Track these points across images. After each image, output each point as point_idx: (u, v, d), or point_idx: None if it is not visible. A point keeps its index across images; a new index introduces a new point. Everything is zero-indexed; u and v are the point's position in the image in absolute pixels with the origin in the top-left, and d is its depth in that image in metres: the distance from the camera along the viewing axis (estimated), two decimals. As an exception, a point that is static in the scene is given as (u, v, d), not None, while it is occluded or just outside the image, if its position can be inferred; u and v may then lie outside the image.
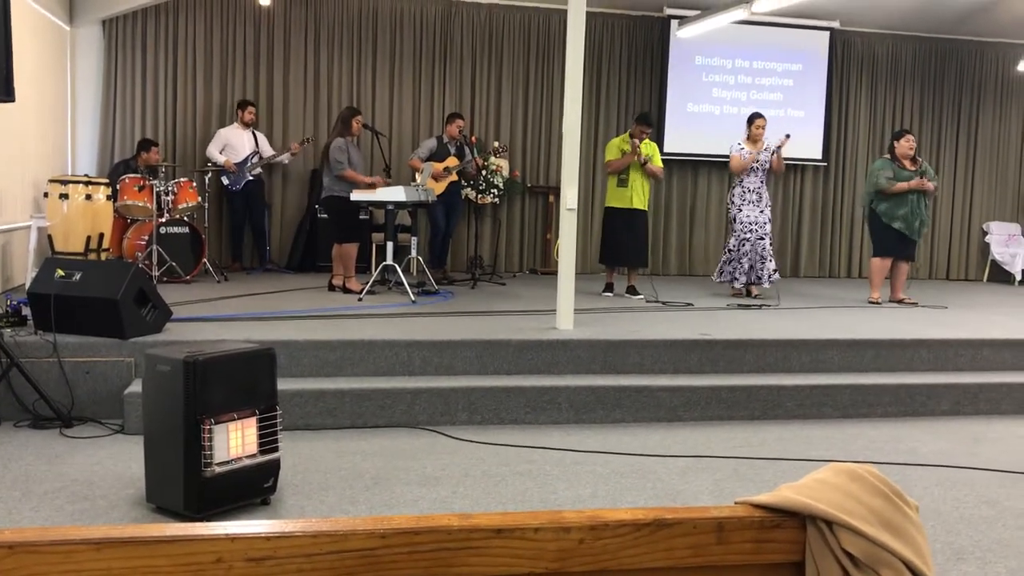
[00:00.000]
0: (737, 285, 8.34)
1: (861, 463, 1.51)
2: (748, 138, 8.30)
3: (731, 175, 8.41)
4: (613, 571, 1.33)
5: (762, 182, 8.28)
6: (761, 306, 7.72)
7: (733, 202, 8.34)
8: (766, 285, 8.37)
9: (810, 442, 5.05)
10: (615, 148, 8.14)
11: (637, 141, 8.00)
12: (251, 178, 9.12)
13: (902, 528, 1.43)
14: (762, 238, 8.23)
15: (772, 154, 8.24)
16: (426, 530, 1.25)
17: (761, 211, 8.25)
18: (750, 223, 8.21)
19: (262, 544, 1.22)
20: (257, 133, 9.31)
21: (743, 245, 8.24)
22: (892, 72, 11.29)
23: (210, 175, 9.05)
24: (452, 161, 8.71)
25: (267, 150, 9.28)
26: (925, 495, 4.15)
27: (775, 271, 8.39)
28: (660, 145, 10.56)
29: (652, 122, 8.30)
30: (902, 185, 8.04)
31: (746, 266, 8.26)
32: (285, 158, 9.33)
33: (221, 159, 9.01)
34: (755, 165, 8.20)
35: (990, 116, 11.61)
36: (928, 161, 11.35)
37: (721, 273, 8.47)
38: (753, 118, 8.33)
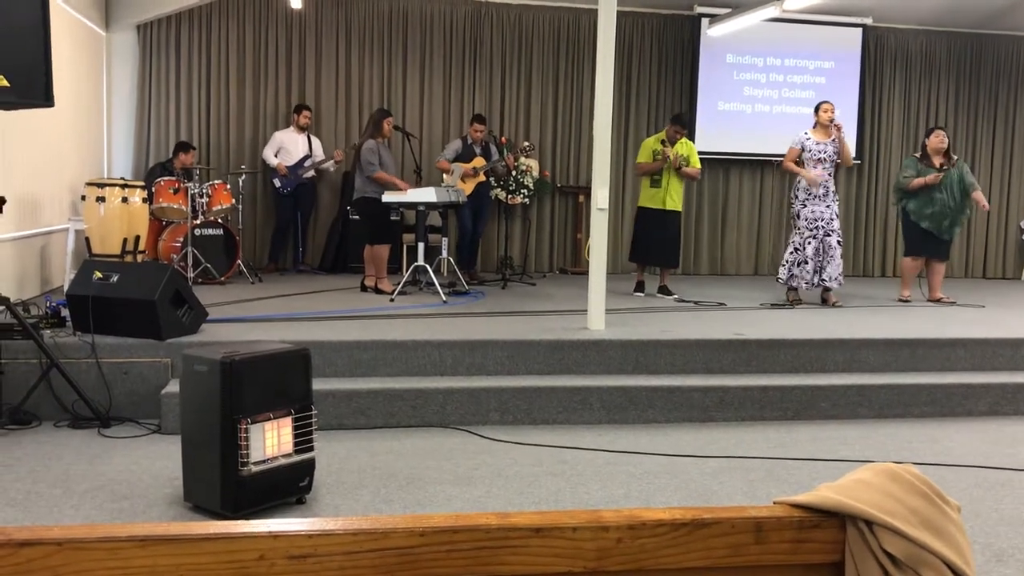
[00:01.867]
0: (804, 285, 7.61)
1: (900, 463, 1.50)
2: (815, 127, 7.69)
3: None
4: (651, 570, 1.33)
5: (830, 175, 7.61)
6: (793, 306, 7.63)
7: (797, 197, 7.66)
8: (835, 287, 7.68)
9: (845, 443, 5.01)
10: (648, 149, 8.04)
11: (668, 149, 7.88)
12: (304, 181, 9.27)
13: (943, 528, 1.42)
14: (829, 235, 7.54)
15: (833, 141, 7.58)
16: (465, 529, 1.26)
17: (828, 206, 7.56)
18: (815, 219, 7.55)
19: (303, 542, 1.23)
20: (312, 137, 9.44)
21: (808, 244, 7.58)
22: (926, 68, 11.15)
23: (244, 177, 9.13)
24: (479, 161, 8.73)
25: (320, 155, 9.40)
26: (963, 496, 4.09)
27: (840, 275, 7.67)
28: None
29: (687, 123, 8.08)
30: (918, 180, 7.92)
31: (811, 268, 7.56)
32: (330, 165, 9.43)
33: (275, 161, 9.17)
34: (823, 157, 7.58)
35: (1027, 112, 11.44)
36: (964, 157, 11.21)
37: (791, 276, 7.67)
38: (818, 105, 7.74)
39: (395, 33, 10.01)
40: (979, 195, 8.04)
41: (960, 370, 6.06)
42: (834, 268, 7.61)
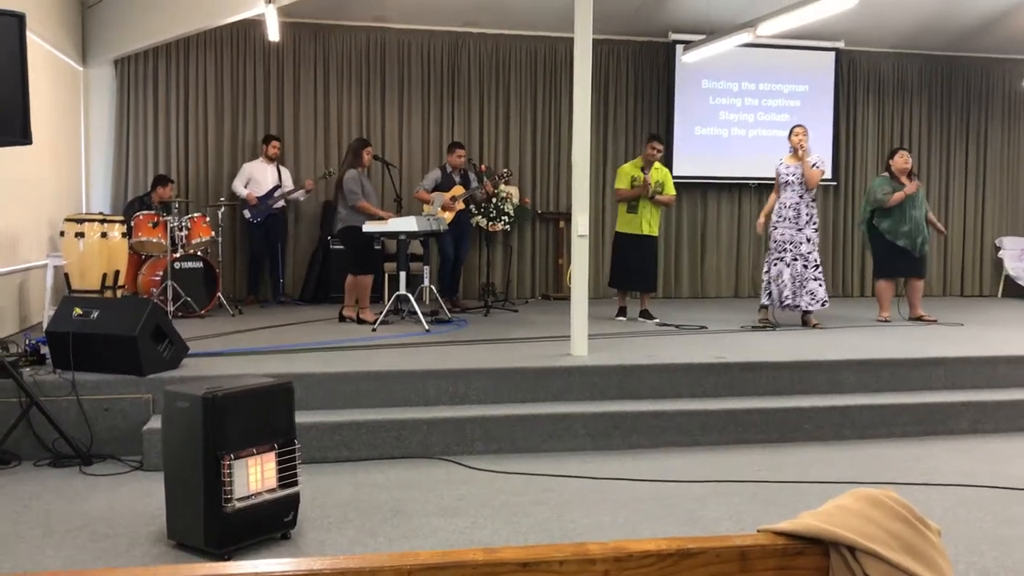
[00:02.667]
0: (778, 305, 7.74)
1: (881, 485, 1.52)
2: (791, 152, 7.83)
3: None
4: (638, 602, 1.33)
5: (801, 197, 7.70)
6: (775, 328, 7.68)
7: (770, 219, 7.89)
8: (811, 310, 7.70)
9: (829, 464, 5.03)
10: (626, 175, 8.12)
11: (647, 175, 7.97)
12: (274, 211, 9.25)
13: (924, 552, 1.43)
14: (796, 259, 7.65)
15: (811, 166, 7.69)
16: (452, 565, 1.27)
17: (799, 229, 7.67)
18: (784, 241, 7.70)
19: (290, 583, 1.23)
20: (282, 168, 9.46)
21: (774, 265, 7.74)
22: (899, 90, 11.33)
23: (223, 210, 9.13)
24: (458, 190, 8.76)
25: (289, 185, 9.41)
26: (946, 515, 4.12)
27: (824, 299, 7.70)
28: (669, 169, 10.62)
29: (664, 140, 8.18)
30: (899, 195, 8.04)
31: (778, 289, 7.71)
32: (300, 195, 9.42)
33: (244, 192, 9.17)
34: (791, 179, 7.73)
35: (999, 131, 11.62)
36: (938, 177, 11.38)
37: (769, 295, 7.82)
38: (791, 130, 7.88)
39: (373, 63, 10.07)
40: (932, 217, 8.34)
41: (940, 389, 6.10)
42: (808, 294, 7.67)
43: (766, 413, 5.51)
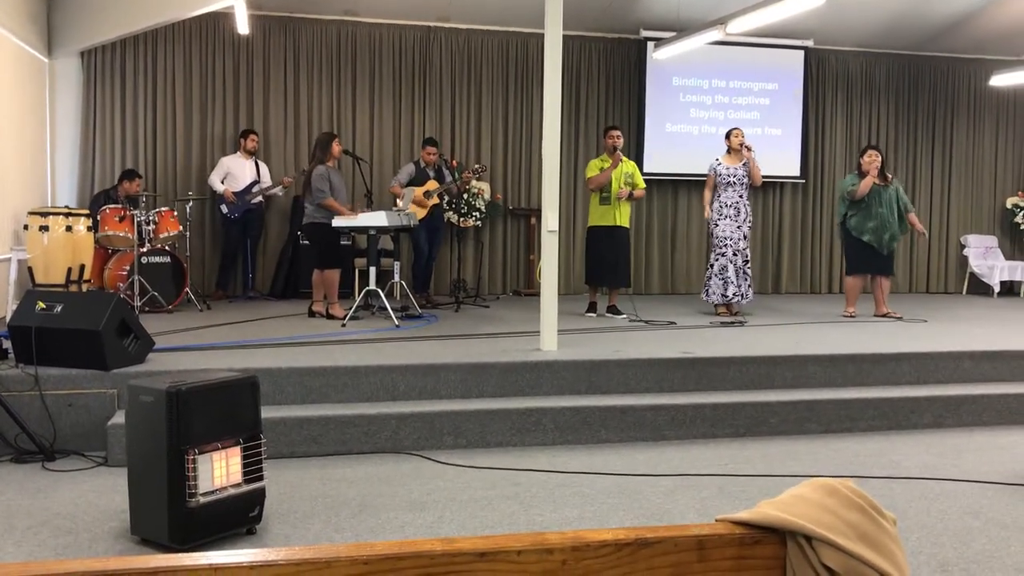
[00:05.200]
0: (715, 299, 8.19)
1: (842, 477, 1.54)
2: (728, 152, 8.25)
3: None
4: (596, 591, 1.34)
5: (741, 196, 8.16)
6: (743, 323, 7.76)
7: (711, 216, 8.25)
8: (743, 302, 8.24)
9: (795, 458, 5.08)
10: (595, 167, 8.16)
11: (618, 152, 8.05)
12: (252, 206, 9.17)
13: (879, 541, 1.45)
14: (736, 253, 8.11)
15: (744, 164, 8.15)
16: (410, 555, 1.26)
17: (738, 226, 8.14)
18: (726, 238, 8.11)
19: (246, 574, 1.22)
20: (260, 163, 9.37)
21: (719, 260, 8.13)
22: (867, 89, 11.45)
23: (192, 204, 9.04)
24: (432, 185, 8.74)
25: (267, 180, 9.32)
26: (909, 508, 4.17)
27: (750, 288, 8.24)
28: (640, 166, 10.67)
29: (618, 126, 8.41)
30: (866, 181, 8.15)
31: (722, 282, 8.13)
32: (278, 191, 9.35)
33: (221, 188, 9.05)
34: (733, 179, 8.12)
35: (964, 130, 11.78)
36: (905, 175, 11.52)
37: (708, 292, 8.27)
38: (729, 132, 8.33)
39: (344, 57, 10.02)
40: (914, 218, 8.46)
41: (905, 384, 6.18)
42: (747, 287, 8.20)
43: (733, 407, 5.56)
